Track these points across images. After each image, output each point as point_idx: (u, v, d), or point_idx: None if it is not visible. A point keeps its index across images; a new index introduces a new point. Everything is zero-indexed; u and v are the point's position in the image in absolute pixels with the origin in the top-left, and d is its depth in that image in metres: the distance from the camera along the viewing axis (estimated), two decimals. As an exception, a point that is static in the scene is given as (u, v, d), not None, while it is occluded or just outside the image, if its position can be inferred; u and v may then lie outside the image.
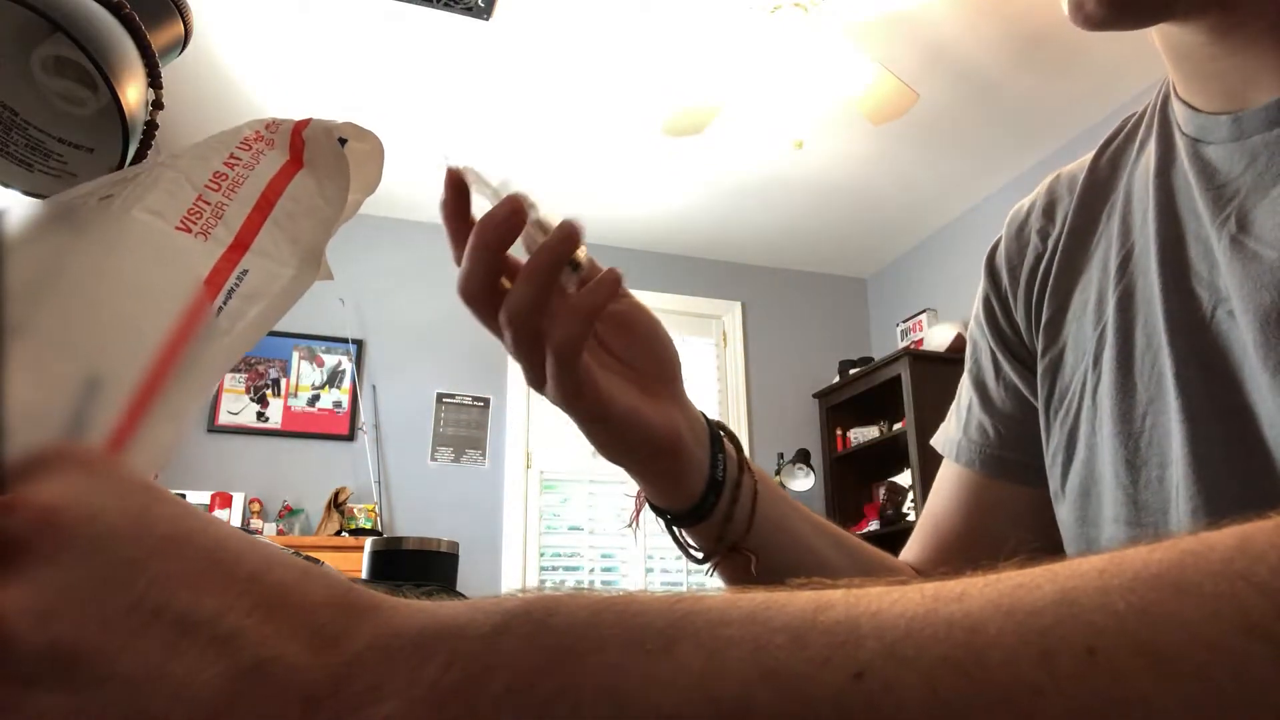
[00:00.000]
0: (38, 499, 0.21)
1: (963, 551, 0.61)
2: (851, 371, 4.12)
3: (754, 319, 4.43)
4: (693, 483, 0.49)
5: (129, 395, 0.24)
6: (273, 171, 0.41)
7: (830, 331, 4.53)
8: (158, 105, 0.57)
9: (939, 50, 2.90)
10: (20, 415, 0.22)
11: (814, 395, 4.34)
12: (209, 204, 0.39)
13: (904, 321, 4.27)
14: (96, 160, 0.55)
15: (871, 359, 4.17)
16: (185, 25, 0.64)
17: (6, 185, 0.55)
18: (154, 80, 0.56)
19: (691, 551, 0.52)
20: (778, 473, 4.00)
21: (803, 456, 4.00)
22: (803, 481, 3.97)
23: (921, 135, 3.38)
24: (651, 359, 0.48)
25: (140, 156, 0.54)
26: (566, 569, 3.88)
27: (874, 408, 3.99)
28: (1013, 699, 0.16)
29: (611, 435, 0.46)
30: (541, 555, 3.83)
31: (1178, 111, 0.52)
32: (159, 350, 0.23)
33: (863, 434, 4.04)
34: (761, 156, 3.53)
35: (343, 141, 0.43)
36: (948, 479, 0.64)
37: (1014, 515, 0.60)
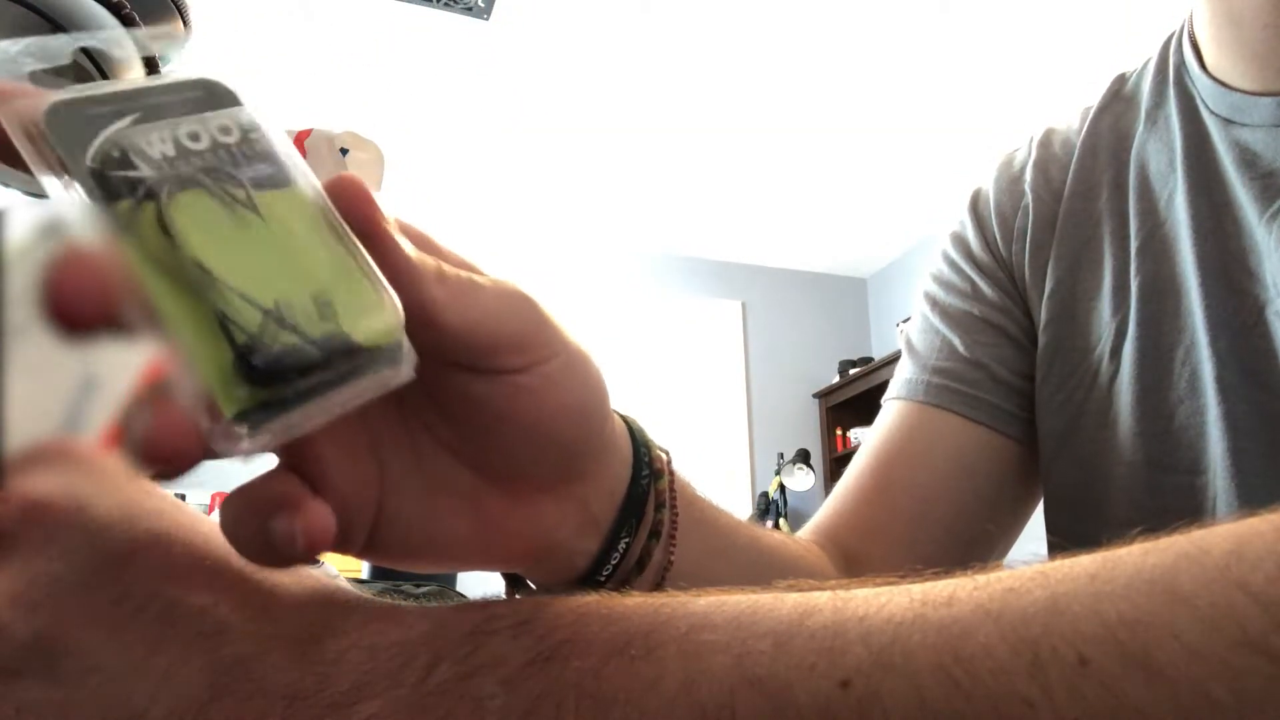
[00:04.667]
0: (28, 492, 0.21)
1: (912, 502, 0.53)
2: (851, 371, 4.12)
3: (754, 319, 4.43)
4: (553, 577, 0.31)
5: (125, 395, 0.24)
6: None
7: (830, 331, 4.52)
8: (157, 105, 0.57)
9: (940, 49, 2.90)
10: (15, 413, 0.22)
11: (814, 395, 4.34)
12: None
13: (904, 321, 4.25)
14: (96, 160, 0.55)
15: (871, 359, 4.17)
16: (185, 25, 0.64)
17: (6, 185, 0.55)
18: (154, 80, 0.56)
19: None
20: (778, 472, 4.00)
21: (803, 456, 3.99)
22: (803, 481, 3.97)
23: (921, 135, 3.38)
24: (531, 467, 0.27)
25: (140, 157, 0.54)
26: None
27: (874, 408, 3.94)
28: (1003, 710, 0.16)
29: (410, 563, 0.28)
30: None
31: (1203, 86, 0.48)
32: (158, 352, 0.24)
33: (863, 434, 4.02)
34: (761, 156, 3.53)
35: (344, 151, 0.43)
36: (896, 424, 0.56)
37: (977, 463, 0.54)
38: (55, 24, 0.49)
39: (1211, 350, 0.44)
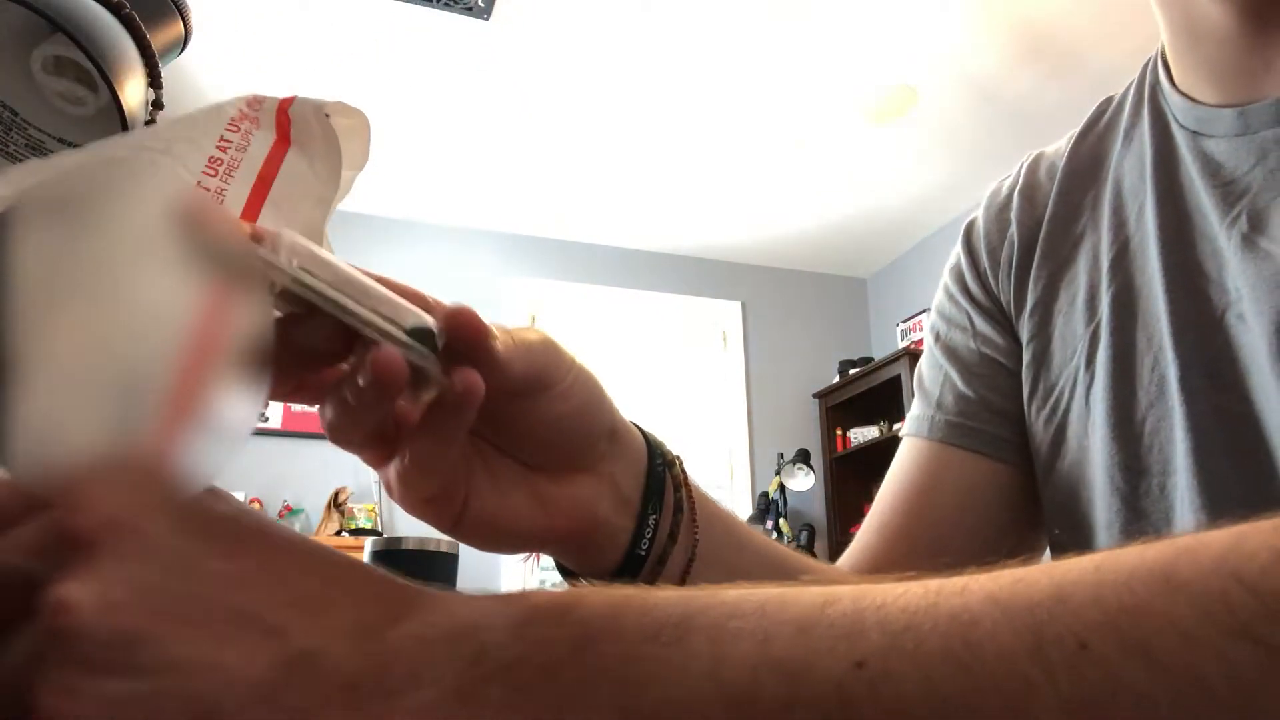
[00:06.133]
0: (106, 500, 0.23)
1: (929, 535, 0.56)
2: (851, 371, 4.12)
3: (754, 319, 4.43)
4: (605, 556, 0.39)
5: (168, 400, 0.24)
6: (264, 152, 0.42)
7: (830, 331, 4.53)
8: (157, 105, 0.57)
9: (940, 51, 2.90)
10: (66, 424, 0.23)
11: (814, 395, 4.34)
12: (208, 189, 0.39)
13: (904, 321, 4.27)
14: (96, 160, 0.55)
15: (871, 359, 4.17)
16: (185, 25, 0.64)
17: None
18: (154, 80, 0.56)
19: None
20: (778, 472, 4.00)
21: (803, 456, 4.00)
22: (803, 481, 3.97)
23: (921, 135, 3.39)
24: (558, 452, 0.37)
25: (140, 156, 0.54)
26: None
27: (874, 408, 3.99)
28: (1005, 690, 0.17)
29: (498, 546, 0.38)
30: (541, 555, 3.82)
31: (1173, 102, 0.50)
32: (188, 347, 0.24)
33: (863, 434, 4.04)
34: (762, 156, 3.53)
35: (328, 117, 0.43)
36: (910, 461, 0.59)
37: (983, 493, 0.56)
38: (55, 24, 0.49)
39: (1175, 354, 0.46)
